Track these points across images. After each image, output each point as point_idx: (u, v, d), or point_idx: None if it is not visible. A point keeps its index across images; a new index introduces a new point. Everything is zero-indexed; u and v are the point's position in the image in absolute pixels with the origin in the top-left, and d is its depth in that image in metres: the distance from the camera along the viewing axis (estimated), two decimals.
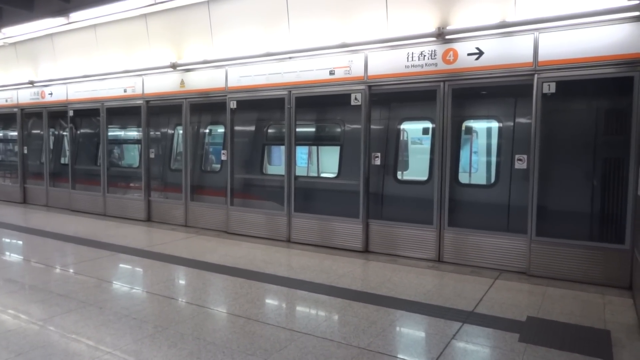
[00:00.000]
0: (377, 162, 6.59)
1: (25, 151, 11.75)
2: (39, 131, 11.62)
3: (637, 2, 4.68)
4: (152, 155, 9.18)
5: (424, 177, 6.44)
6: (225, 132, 8.15)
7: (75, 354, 3.36)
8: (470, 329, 3.87)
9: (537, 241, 5.41)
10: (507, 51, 5.53)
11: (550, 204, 5.50)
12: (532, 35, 5.37)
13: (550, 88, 5.30)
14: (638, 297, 4.34)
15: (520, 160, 5.59)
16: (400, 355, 3.38)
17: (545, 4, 5.28)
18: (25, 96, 11.41)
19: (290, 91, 7.16)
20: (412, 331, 3.89)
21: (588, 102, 5.61)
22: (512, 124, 6.00)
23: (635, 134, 4.89)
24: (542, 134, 5.38)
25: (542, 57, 5.33)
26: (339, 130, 7.43)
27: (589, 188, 5.44)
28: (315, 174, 8.24)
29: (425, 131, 6.67)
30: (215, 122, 8.90)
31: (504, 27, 5.51)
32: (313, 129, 7.95)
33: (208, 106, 8.48)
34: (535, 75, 5.37)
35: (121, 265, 5.93)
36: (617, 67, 4.98)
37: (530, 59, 5.39)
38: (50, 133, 11.37)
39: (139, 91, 9.09)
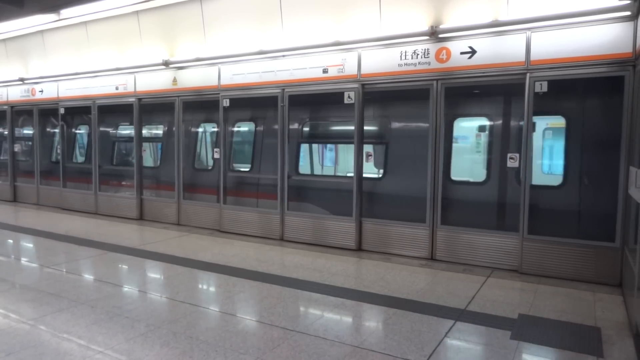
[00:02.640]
0: (372, 160, 6.60)
1: (16, 149, 11.64)
2: (30, 129, 11.51)
3: (628, 1, 4.72)
4: (144, 154, 9.14)
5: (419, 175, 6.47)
6: (218, 130, 8.11)
7: (67, 354, 3.34)
8: (462, 327, 3.89)
9: (529, 239, 5.44)
10: (500, 50, 5.56)
11: (542, 202, 5.54)
12: (524, 35, 5.40)
13: (542, 87, 5.33)
14: (628, 294, 4.39)
15: (512, 158, 5.62)
16: (392, 353, 3.39)
17: (537, 3, 5.31)
18: (16, 93, 11.29)
19: (283, 89, 7.14)
20: (404, 329, 3.90)
21: (579, 101, 5.65)
22: (504, 122, 6.03)
23: (625, 133, 4.93)
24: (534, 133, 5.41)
25: (534, 56, 5.36)
26: (332, 128, 7.43)
27: (581, 186, 5.49)
28: (308, 172, 8.22)
29: (412, 130, 6.68)
30: (209, 120, 8.85)
31: (497, 26, 5.54)
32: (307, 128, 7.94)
33: (201, 104, 8.43)
34: (528, 75, 5.40)
35: (113, 264, 5.89)
36: (608, 66, 5.02)
37: (522, 58, 5.42)
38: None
39: (130, 89, 9.02)
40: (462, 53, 5.78)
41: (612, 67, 5.01)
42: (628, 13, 4.82)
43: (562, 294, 4.77)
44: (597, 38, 5.04)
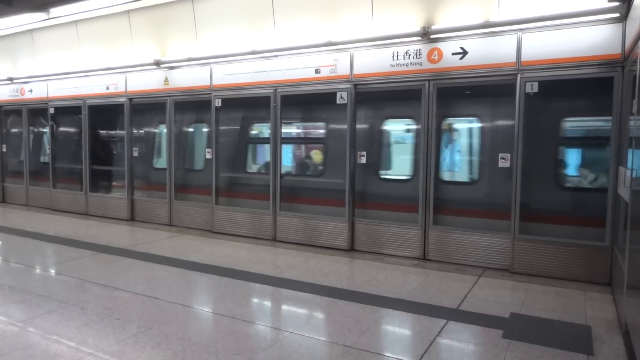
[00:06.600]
0: (363, 160, 6.61)
1: (5, 149, 11.50)
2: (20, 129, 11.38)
3: (617, 3, 4.77)
4: (135, 154, 9.07)
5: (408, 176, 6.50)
6: (210, 131, 8.07)
7: (57, 356, 3.30)
8: (454, 326, 3.90)
9: (520, 239, 5.48)
10: (491, 51, 5.59)
11: (533, 202, 5.58)
12: (515, 36, 5.43)
13: (533, 88, 5.37)
14: (617, 293, 4.43)
15: (503, 159, 5.66)
16: (385, 353, 3.39)
17: (528, 4, 5.35)
18: (4, 93, 11.15)
19: (275, 89, 7.13)
20: (397, 329, 3.91)
21: (570, 102, 5.70)
22: (496, 122, 6.07)
23: (614, 133, 4.98)
24: (525, 133, 5.44)
25: (525, 57, 5.40)
26: (323, 128, 7.43)
27: (571, 185, 5.54)
28: (299, 173, 8.22)
29: (408, 130, 6.72)
30: (200, 120, 8.81)
31: (488, 27, 5.57)
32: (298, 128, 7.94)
33: (192, 104, 8.39)
34: (519, 75, 5.43)
35: (103, 264, 5.83)
36: (597, 67, 5.07)
37: (513, 59, 5.46)
38: (36, 130, 11.10)
39: (121, 89, 8.96)
40: (453, 54, 5.80)
41: (601, 68, 5.05)
42: (617, 15, 4.87)
43: (552, 292, 4.80)
44: (587, 39, 5.09)
